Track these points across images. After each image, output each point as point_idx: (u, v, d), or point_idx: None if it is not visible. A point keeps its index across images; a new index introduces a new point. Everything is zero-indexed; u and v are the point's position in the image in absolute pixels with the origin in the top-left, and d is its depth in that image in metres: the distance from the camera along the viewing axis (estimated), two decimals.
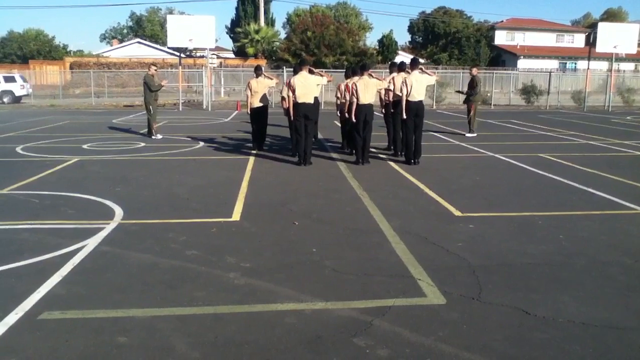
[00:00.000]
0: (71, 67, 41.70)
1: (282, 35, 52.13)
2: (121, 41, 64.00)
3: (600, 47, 26.56)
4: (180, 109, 24.57)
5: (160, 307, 4.09)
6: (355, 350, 3.48)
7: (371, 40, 63.44)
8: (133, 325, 3.81)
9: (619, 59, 31.83)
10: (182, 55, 28.54)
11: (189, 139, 14.15)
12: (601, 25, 28.04)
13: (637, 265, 5.04)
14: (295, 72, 10.59)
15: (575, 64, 54.65)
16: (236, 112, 23.64)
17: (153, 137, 14.26)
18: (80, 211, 6.82)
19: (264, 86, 11.87)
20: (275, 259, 5.15)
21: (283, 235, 5.91)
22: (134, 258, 5.15)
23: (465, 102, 15.65)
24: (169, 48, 36.99)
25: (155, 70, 14.87)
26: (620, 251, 5.42)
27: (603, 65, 43.50)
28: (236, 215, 6.64)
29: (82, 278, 4.64)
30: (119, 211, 6.76)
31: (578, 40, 60.60)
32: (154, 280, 4.62)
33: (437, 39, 58.46)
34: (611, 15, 72.23)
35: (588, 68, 29.89)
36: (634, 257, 5.25)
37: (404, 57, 35.14)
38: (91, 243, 5.52)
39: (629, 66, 52.64)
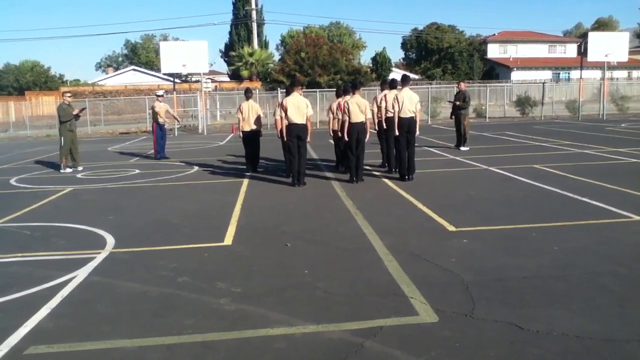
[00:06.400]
0: None
1: (276, 57, 52.44)
2: (117, 69, 64.62)
3: (591, 57, 26.71)
4: (176, 134, 24.60)
5: (148, 337, 4.03)
6: None
7: (365, 58, 63.71)
8: (121, 357, 3.75)
9: (611, 67, 31.99)
10: (177, 80, 28.69)
11: (183, 163, 14.13)
12: (591, 35, 28.24)
13: (631, 275, 4.98)
14: (288, 94, 10.62)
15: (569, 73, 54.88)
16: (231, 134, 23.69)
17: (61, 171, 13.06)
18: (71, 241, 6.77)
19: (255, 109, 11.90)
20: (266, 282, 5.09)
21: (275, 258, 5.86)
22: (124, 287, 5.09)
23: (452, 115, 15.62)
24: (163, 74, 37.20)
25: (70, 97, 13.71)
26: (614, 261, 5.35)
27: (596, 74, 43.66)
28: (228, 240, 6.59)
29: (70, 310, 4.58)
30: (110, 240, 6.71)
31: (570, 50, 60.87)
32: (143, 309, 4.56)
33: (430, 55, 58.81)
34: (602, 25, 72.68)
35: (581, 77, 30.00)
36: (627, 266, 5.19)
37: (398, 74, 35.24)
38: (81, 274, 5.47)
39: (621, 74, 52.92)
